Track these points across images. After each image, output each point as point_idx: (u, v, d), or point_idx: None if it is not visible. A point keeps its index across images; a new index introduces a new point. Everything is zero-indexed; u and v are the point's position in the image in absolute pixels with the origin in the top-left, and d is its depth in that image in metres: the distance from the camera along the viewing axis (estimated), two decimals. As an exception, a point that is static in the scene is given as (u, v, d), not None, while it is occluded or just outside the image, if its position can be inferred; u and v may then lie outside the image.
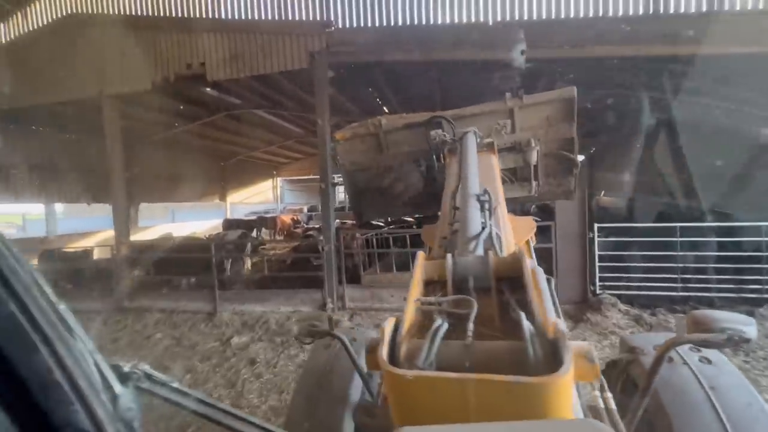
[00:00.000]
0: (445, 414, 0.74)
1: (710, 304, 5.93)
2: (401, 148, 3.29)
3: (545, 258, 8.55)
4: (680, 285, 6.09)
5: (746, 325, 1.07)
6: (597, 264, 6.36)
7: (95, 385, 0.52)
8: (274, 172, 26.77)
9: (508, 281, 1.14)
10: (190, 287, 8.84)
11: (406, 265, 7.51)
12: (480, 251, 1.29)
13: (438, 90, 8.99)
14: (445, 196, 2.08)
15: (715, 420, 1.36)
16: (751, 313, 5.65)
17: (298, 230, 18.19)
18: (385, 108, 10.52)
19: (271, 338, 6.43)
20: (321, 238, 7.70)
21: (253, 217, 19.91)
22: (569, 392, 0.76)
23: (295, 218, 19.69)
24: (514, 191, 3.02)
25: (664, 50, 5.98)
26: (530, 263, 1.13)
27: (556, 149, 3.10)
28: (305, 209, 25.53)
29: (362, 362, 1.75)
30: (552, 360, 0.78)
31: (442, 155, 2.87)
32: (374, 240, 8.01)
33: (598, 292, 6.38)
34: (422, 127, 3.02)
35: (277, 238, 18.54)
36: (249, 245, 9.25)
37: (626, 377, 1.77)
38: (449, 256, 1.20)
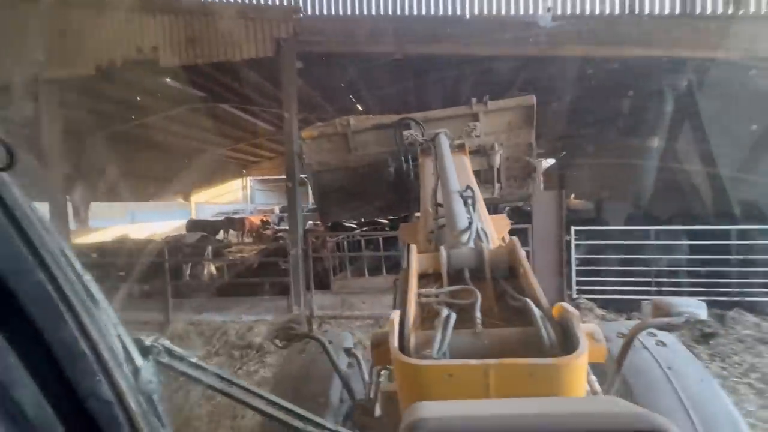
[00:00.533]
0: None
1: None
2: (369, 148, 3.26)
3: None
4: (654, 289, 6.05)
5: (699, 309, 1.17)
6: (574, 268, 6.21)
7: (118, 358, 0.54)
8: (244, 171, 25.66)
9: (499, 271, 1.16)
10: (142, 295, 8.01)
11: (378, 269, 7.10)
12: (471, 244, 1.32)
13: (415, 87, 8.68)
14: (424, 193, 2.07)
15: (674, 396, 1.47)
16: (721, 317, 5.68)
17: (268, 232, 17.43)
18: (359, 105, 10.09)
19: (230, 352, 5.83)
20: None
21: (221, 218, 18.91)
22: (584, 372, 0.78)
23: (265, 219, 18.87)
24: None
25: (642, 52, 5.92)
26: (524, 253, 1.16)
27: (516, 153, 3.21)
28: (277, 210, 24.62)
29: (341, 363, 1.74)
30: (563, 342, 0.79)
31: (411, 156, 2.89)
32: (345, 243, 7.54)
33: (574, 296, 6.23)
34: (391, 129, 3.04)
35: (246, 240, 17.66)
36: (209, 249, 8.53)
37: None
38: (443, 248, 1.21)
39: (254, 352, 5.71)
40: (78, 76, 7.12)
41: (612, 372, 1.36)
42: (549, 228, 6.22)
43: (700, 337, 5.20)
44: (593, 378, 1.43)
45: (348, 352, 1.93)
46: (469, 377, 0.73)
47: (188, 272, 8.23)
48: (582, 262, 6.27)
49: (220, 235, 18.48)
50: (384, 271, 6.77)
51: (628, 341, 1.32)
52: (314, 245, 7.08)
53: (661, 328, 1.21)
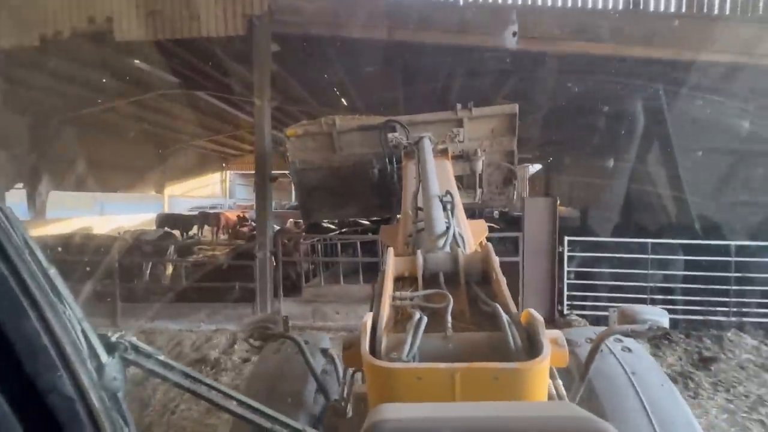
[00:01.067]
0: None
1: (675, 327, 5.55)
2: (354, 149, 3.26)
3: (510, 273, 7.83)
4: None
5: (662, 317, 1.21)
6: (566, 281, 5.76)
7: (82, 353, 0.53)
8: (224, 164, 24.60)
9: (473, 277, 1.20)
10: (90, 297, 7.17)
11: (355, 276, 6.50)
12: (447, 248, 1.34)
13: (403, 79, 8.12)
14: (405, 197, 2.10)
15: (637, 400, 1.52)
16: (719, 339, 5.33)
17: (245, 229, 16.55)
18: (343, 99, 9.45)
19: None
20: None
21: (195, 213, 17.93)
22: (546, 377, 0.83)
23: (242, 215, 17.98)
24: (461, 198, 3.35)
25: (645, 52, 5.52)
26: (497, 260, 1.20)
27: (498, 160, 3.24)
28: (256, 206, 23.74)
29: (317, 364, 1.71)
30: (528, 347, 0.83)
31: (395, 159, 2.91)
32: (320, 247, 6.90)
33: (566, 312, 5.78)
34: (377, 130, 3.04)
35: (221, 236, 16.76)
36: (172, 248, 7.72)
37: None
38: (419, 252, 1.24)
39: (209, 368, 5.04)
40: (21, 48, 6.25)
41: (580, 376, 1.41)
42: (541, 237, 5.75)
43: (699, 361, 4.81)
44: (559, 382, 1.46)
45: (324, 352, 1.90)
46: (436, 380, 0.75)
47: (148, 272, 7.43)
48: (574, 275, 5.83)
49: (194, 231, 17.54)
50: (361, 278, 6.18)
51: (595, 347, 1.36)
52: (286, 248, 6.43)
53: (625, 334, 1.23)
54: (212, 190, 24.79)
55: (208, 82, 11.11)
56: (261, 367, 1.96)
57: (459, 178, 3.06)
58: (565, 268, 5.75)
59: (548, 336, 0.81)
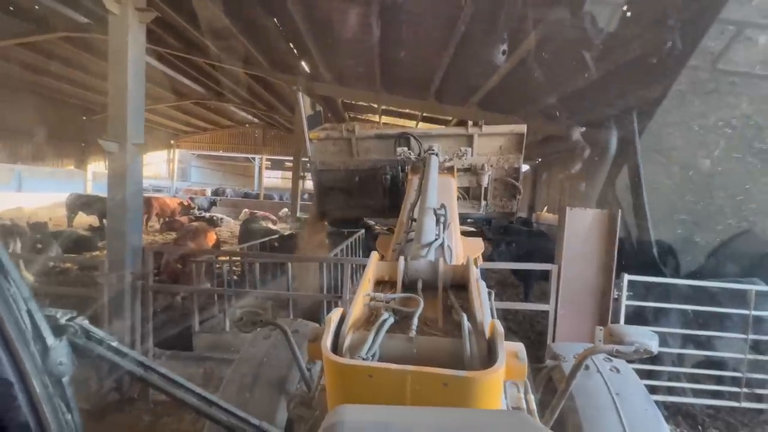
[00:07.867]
0: (383, 404, 0.76)
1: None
2: (371, 155, 3.53)
3: (527, 327, 5.57)
4: (745, 389, 3.57)
5: (651, 340, 1.17)
6: (621, 346, 3.60)
7: (25, 334, 0.51)
8: (173, 142, 21.22)
9: (454, 288, 1.26)
10: None
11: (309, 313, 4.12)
12: (431, 257, 1.40)
13: (379, 37, 5.73)
14: (404, 207, 2.22)
15: (617, 421, 1.55)
16: None
17: (184, 219, 13.68)
18: (292, 46, 6.89)
19: None
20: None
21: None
22: (499, 388, 0.81)
23: (185, 203, 14.99)
24: (466, 208, 3.34)
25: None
26: (477, 273, 1.23)
27: (504, 176, 3.38)
28: (208, 192, 20.55)
29: (305, 354, 1.75)
30: (487, 358, 0.84)
31: (406, 167, 3.12)
32: (226, 267, 4.37)
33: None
34: (392, 140, 3.26)
35: (153, 226, 13.77)
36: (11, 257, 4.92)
37: (548, 381, 1.90)
38: (402, 258, 1.30)
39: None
40: None
41: (560, 391, 1.39)
42: (587, 272, 3.54)
43: None
44: (531, 396, 1.47)
45: None
46: (387, 380, 0.76)
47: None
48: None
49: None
50: (291, 313, 3.73)
51: (578, 363, 1.36)
52: (169, 268, 3.87)
53: (610, 354, 1.21)
54: (155, 171, 21.37)
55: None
56: (249, 352, 1.97)
57: (466, 190, 3.28)
58: (622, 324, 3.57)
59: (508, 348, 0.82)
